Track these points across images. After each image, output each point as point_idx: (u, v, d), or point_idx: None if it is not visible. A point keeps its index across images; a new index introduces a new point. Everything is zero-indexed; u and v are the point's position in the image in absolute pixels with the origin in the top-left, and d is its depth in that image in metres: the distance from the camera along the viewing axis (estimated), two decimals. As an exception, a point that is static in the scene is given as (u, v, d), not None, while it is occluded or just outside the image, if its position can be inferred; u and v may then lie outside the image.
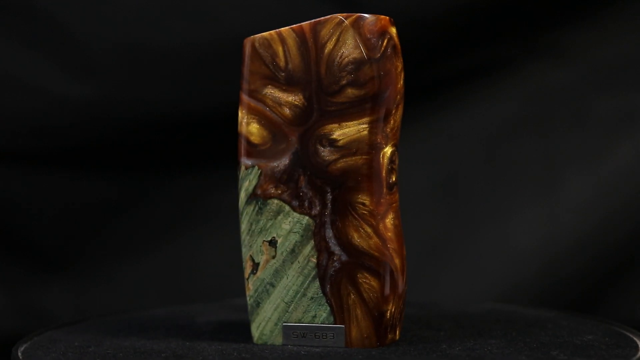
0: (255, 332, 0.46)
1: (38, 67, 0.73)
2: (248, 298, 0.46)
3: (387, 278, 0.45)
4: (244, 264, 0.47)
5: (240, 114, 0.46)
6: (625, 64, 0.77)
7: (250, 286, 0.46)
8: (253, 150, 0.46)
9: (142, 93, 0.75)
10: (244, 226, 0.46)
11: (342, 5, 0.73)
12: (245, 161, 0.46)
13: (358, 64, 0.45)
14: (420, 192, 0.78)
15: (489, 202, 0.78)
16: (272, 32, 0.46)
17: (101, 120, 0.75)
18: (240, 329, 0.50)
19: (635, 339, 0.47)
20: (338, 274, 0.45)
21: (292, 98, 0.45)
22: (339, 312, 0.45)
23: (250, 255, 0.46)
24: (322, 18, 0.45)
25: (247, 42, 0.46)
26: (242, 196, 0.46)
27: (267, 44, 0.46)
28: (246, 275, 0.46)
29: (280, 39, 0.46)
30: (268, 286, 0.46)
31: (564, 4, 0.77)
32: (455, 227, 0.79)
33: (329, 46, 0.45)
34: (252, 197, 0.46)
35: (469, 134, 0.79)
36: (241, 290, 0.51)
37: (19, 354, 0.45)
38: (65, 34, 0.73)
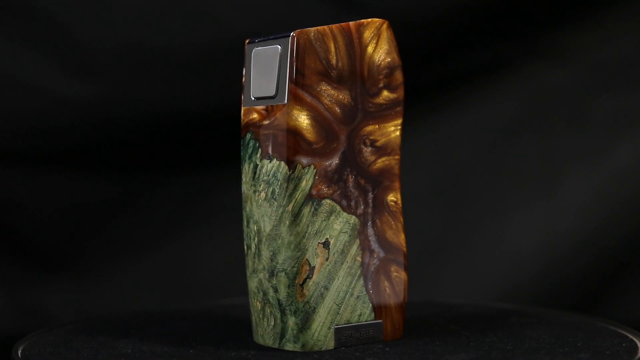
0: (310, 340, 0.45)
1: (38, 67, 0.73)
2: (302, 305, 0.45)
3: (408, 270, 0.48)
4: (293, 268, 0.45)
5: (291, 109, 0.44)
6: (625, 64, 0.77)
7: (305, 291, 0.45)
8: (308, 148, 0.45)
9: (142, 93, 0.75)
10: (299, 228, 0.44)
11: (342, 5, 0.73)
12: (301, 159, 0.44)
13: (392, 68, 0.47)
14: (420, 192, 0.78)
15: (489, 202, 0.78)
16: (324, 27, 0.45)
17: (101, 120, 0.75)
18: (240, 329, 0.50)
19: (635, 339, 0.47)
20: (378, 271, 0.47)
21: (341, 97, 0.45)
22: (378, 307, 0.47)
23: (307, 259, 0.45)
24: (364, 20, 0.46)
25: (301, 35, 0.44)
26: (299, 197, 0.44)
27: (322, 39, 0.45)
28: (300, 281, 0.45)
29: (332, 36, 0.45)
30: (323, 290, 0.45)
31: (564, 4, 0.77)
32: (455, 227, 0.79)
33: (370, 48, 0.46)
34: (308, 197, 0.45)
35: (469, 134, 0.79)
36: (241, 290, 0.50)
37: (19, 354, 0.45)
38: (65, 34, 0.73)
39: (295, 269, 0.45)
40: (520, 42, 0.77)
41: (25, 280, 0.77)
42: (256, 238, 0.45)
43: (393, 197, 0.47)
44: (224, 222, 0.79)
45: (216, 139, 0.77)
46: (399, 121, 0.47)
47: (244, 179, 0.46)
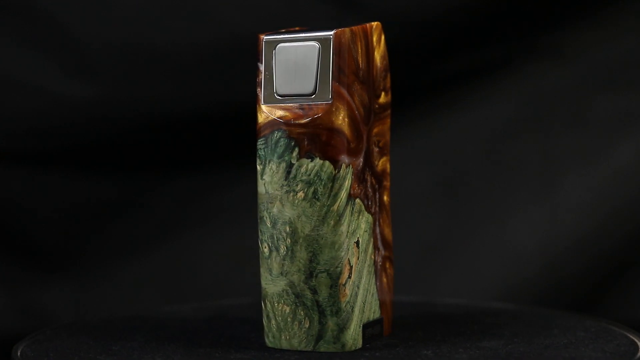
0: (349, 340, 0.45)
1: (38, 67, 0.73)
2: (344, 305, 0.45)
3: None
4: (337, 268, 0.44)
5: (335, 108, 0.44)
6: (625, 64, 0.77)
7: (347, 291, 0.45)
8: (349, 147, 0.44)
9: (142, 93, 0.75)
10: (343, 228, 0.44)
11: (342, 5, 0.73)
12: (345, 159, 0.44)
13: (386, 71, 0.47)
14: (420, 192, 0.78)
15: (489, 202, 0.78)
16: (354, 27, 0.45)
17: (101, 120, 0.75)
18: (241, 329, 0.50)
19: (635, 339, 0.47)
20: (380, 268, 0.47)
21: (364, 97, 0.46)
22: (381, 303, 0.47)
23: (348, 259, 0.45)
24: (372, 23, 0.46)
25: (342, 34, 0.44)
26: (343, 197, 0.44)
27: (354, 39, 0.45)
28: (342, 281, 0.45)
29: (359, 37, 0.45)
30: (356, 289, 0.45)
31: (564, 4, 0.77)
32: (455, 227, 0.79)
33: (377, 51, 0.47)
34: (349, 197, 0.45)
35: (469, 134, 0.79)
36: (241, 290, 0.50)
37: (19, 354, 0.45)
38: (65, 34, 0.73)
39: (339, 269, 0.44)
40: (520, 42, 0.77)
41: (25, 280, 0.77)
42: (289, 239, 0.44)
43: (387, 196, 0.48)
44: (224, 222, 0.79)
45: (216, 139, 0.77)
46: (390, 123, 0.48)
47: (267, 179, 0.45)
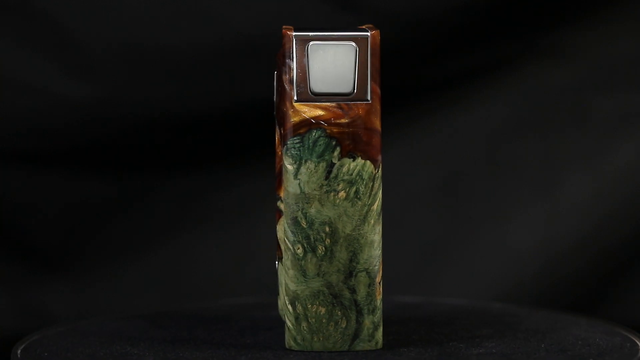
0: (381, 337, 0.45)
1: (38, 67, 0.73)
2: (379, 302, 0.45)
3: None
4: (375, 267, 0.45)
5: (375, 108, 0.45)
6: (625, 64, 0.77)
7: (381, 289, 0.45)
8: (381, 147, 0.45)
9: (142, 93, 0.75)
10: (380, 227, 0.45)
11: (342, 5, 0.73)
12: (380, 159, 0.45)
13: None
14: (420, 192, 0.78)
15: (489, 202, 0.78)
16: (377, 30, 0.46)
17: (101, 120, 0.75)
18: (244, 329, 0.50)
19: (635, 339, 0.47)
20: None
21: None
22: None
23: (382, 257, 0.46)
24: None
25: (377, 35, 0.45)
26: (380, 195, 0.45)
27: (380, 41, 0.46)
28: (379, 280, 0.45)
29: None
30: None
31: (564, 4, 0.77)
32: (455, 227, 0.79)
33: None
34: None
35: (469, 133, 0.79)
36: (241, 290, 0.50)
37: (19, 354, 0.45)
38: (65, 34, 0.73)
39: (377, 267, 0.45)
40: (520, 42, 0.77)
41: (25, 280, 0.77)
42: (328, 239, 0.44)
43: None
44: (224, 222, 0.79)
45: (216, 139, 0.77)
46: None
47: (304, 179, 0.44)
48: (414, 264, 0.77)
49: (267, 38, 0.68)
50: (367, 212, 0.45)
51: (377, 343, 0.45)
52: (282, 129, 0.45)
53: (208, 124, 0.76)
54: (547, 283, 0.77)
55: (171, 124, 0.76)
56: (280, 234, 0.45)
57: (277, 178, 0.46)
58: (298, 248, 0.45)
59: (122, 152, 0.77)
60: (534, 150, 0.78)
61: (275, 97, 0.47)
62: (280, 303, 0.46)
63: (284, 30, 0.45)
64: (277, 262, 0.46)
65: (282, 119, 0.45)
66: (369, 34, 0.45)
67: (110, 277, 0.78)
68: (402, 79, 0.76)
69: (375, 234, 0.45)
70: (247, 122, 0.75)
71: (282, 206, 0.45)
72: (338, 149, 0.44)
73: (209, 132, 0.77)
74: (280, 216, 0.45)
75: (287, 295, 0.45)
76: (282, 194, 0.45)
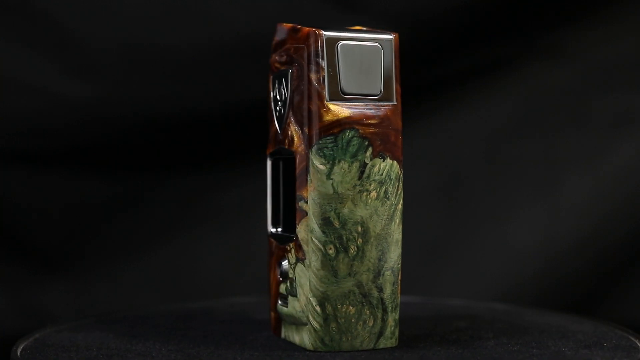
0: (398, 333, 0.46)
1: (38, 67, 0.73)
2: (399, 300, 0.46)
3: None
4: (398, 265, 0.45)
5: (399, 110, 0.45)
6: (625, 64, 0.77)
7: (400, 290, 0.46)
8: None
9: (142, 93, 0.75)
10: (402, 226, 0.46)
11: (343, 5, 0.73)
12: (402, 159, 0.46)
13: None
14: (420, 192, 0.78)
15: (489, 202, 0.78)
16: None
17: (101, 120, 0.75)
18: (245, 329, 0.50)
19: (635, 339, 0.47)
20: None
21: None
22: None
23: None
24: None
25: (397, 37, 0.45)
26: (402, 195, 0.45)
27: None
28: (400, 278, 0.46)
29: None
30: None
31: (564, 4, 0.77)
32: (455, 227, 0.79)
33: None
34: None
35: (469, 134, 0.79)
36: (241, 290, 0.50)
37: (19, 353, 0.45)
38: (65, 34, 0.73)
39: (399, 265, 0.45)
40: (520, 42, 0.77)
41: (25, 280, 0.77)
42: (360, 239, 0.44)
43: None
44: (223, 222, 0.79)
45: (216, 139, 0.77)
46: None
47: (337, 179, 0.44)
48: (414, 264, 0.78)
49: (267, 38, 0.68)
50: (393, 211, 0.45)
51: (396, 340, 0.45)
52: (306, 128, 0.44)
53: (208, 124, 0.76)
54: (547, 283, 0.77)
55: (171, 124, 0.76)
56: (303, 235, 0.44)
57: (297, 179, 0.45)
58: (330, 248, 0.44)
59: (122, 152, 0.77)
60: (534, 150, 0.78)
61: (275, 96, 0.46)
62: (297, 305, 0.45)
63: (310, 29, 0.44)
64: (284, 263, 0.46)
65: (309, 118, 0.44)
66: (392, 36, 0.45)
67: (110, 277, 0.78)
68: (402, 79, 0.76)
69: (399, 233, 0.45)
70: (248, 122, 0.75)
71: (305, 207, 0.44)
72: (370, 149, 0.44)
73: (209, 132, 0.77)
74: (301, 217, 0.44)
75: (314, 296, 0.44)
76: (306, 195, 0.44)
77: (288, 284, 0.45)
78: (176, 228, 0.79)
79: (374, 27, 0.47)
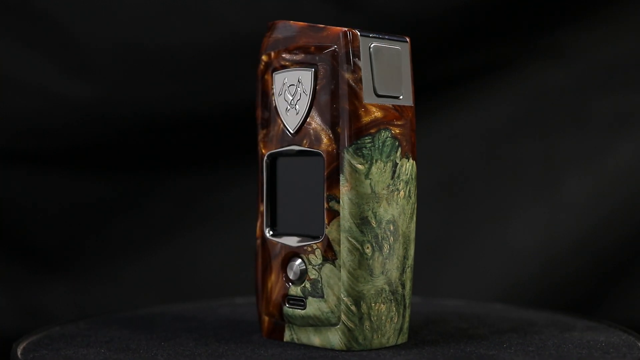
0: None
1: (38, 67, 0.73)
2: (412, 296, 0.46)
3: None
4: (413, 262, 0.46)
5: (415, 111, 0.45)
6: (625, 64, 0.77)
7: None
8: None
9: (142, 93, 0.75)
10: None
11: (343, 5, 0.73)
12: None
13: None
14: (420, 192, 0.78)
15: (489, 202, 0.78)
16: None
17: (101, 120, 0.75)
18: (242, 330, 0.50)
19: (635, 339, 0.47)
20: None
21: None
22: None
23: None
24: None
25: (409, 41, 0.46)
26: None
27: None
28: (411, 276, 0.46)
29: None
30: None
31: (564, 4, 0.77)
32: (455, 227, 0.79)
33: None
34: None
35: (469, 134, 0.79)
36: (241, 290, 0.50)
37: (19, 353, 0.45)
38: (65, 34, 0.73)
39: (413, 262, 0.46)
40: (520, 42, 0.77)
41: (25, 280, 0.77)
42: (391, 237, 0.44)
43: None
44: (223, 222, 0.79)
45: (216, 139, 0.77)
46: None
47: (375, 179, 0.44)
48: (414, 264, 0.78)
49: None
50: (413, 209, 0.45)
51: (408, 336, 0.46)
52: (340, 128, 0.43)
53: (208, 124, 0.76)
54: (546, 283, 0.77)
55: (171, 124, 0.76)
56: (334, 235, 0.44)
57: (326, 179, 0.44)
58: (367, 247, 0.44)
59: (122, 152, 0.77)
60: (534, 150, 0.78)
61: (282, 95, 0.46)
62: (324, 306, 0.44)
63: (341, 29, 0.44)
64: (297, 264, 0.45)
65: (345, 118, 0.43)
66: (408, 39, 0.45)
67: (110, 277, 0.78)
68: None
69: (414, 232, 0.46)
70: (248, 122, 0.75)
71: (337, 207, 0.44)
72: (399, 149, 0.45)
73: (209, 132, 0.77)
74: (332, 217, 0.44)
75: (349, 296, 0.44)
76: (339, 194, 0.44)
77: (306, 285, 0.45)
78: (176, 228, 0.79)
79: (374, 27, 0.47)
